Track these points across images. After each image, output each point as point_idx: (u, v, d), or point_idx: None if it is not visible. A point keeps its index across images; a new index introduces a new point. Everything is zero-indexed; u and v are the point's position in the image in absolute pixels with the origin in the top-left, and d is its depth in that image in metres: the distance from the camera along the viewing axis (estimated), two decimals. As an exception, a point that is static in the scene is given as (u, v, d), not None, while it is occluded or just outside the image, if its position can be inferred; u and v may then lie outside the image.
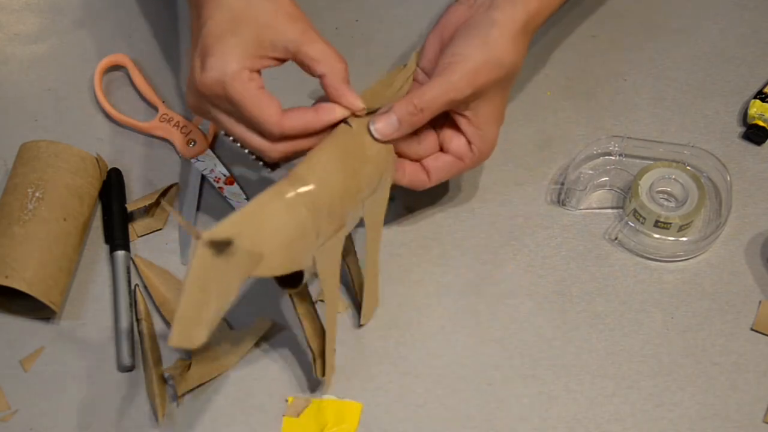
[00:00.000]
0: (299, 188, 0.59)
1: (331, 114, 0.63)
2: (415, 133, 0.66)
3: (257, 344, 0.69)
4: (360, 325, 0.69)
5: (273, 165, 0.69)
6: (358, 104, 0.63)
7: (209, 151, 0.78)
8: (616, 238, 0.73)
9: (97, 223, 0.75)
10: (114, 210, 0.74)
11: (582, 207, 0.75)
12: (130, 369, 0.68)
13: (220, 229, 0.54)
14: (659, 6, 0.86)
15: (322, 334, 0.65)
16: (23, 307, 0.70)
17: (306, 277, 0.61)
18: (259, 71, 0.63)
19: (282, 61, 0.64)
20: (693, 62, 0.82)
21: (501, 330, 0.70)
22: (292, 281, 0.61)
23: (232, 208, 0.75)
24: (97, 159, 0.75)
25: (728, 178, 0.73)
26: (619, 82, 0.81)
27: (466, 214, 0.75)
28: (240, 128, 0.65)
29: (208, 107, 0.65)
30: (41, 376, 0.68)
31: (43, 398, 0.67)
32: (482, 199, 0.75)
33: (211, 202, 0.76)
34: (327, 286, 0.63)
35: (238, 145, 0.66)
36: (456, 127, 0.67)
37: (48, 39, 0.85)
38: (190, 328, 0.54)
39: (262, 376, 0.68)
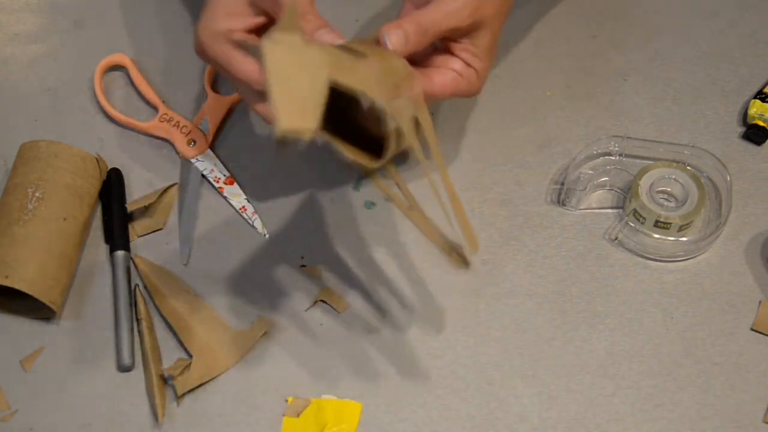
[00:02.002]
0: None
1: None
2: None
3: (257, 344, 0.69)
4: (472, 256, 0.65)
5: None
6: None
7: (209, 151, 0.78)
8: (616, 238, 0.73)
9: (97, 223, 0.75)
10: (114, 210, 0.74)
11: (582, 207, 0.75)
12: (130, 369, 0.68)
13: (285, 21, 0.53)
14: (659, 6, 0.86)
15: (435, 228, 0.63)
16: (23, 307, 0.70)
17: (390, 148, 0.58)
18: (247, 30, 0.64)
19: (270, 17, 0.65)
20: (693, 62, 0.82)
21: (501, 330, 0.70)
22: (374, 148, 0.59)
23: (232, 208, 0.75)
24: (97, 159, 0.75)
25: (728, 178, 0.73)
26: (619, 82, 0.81)
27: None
28: (243, 90, 0.66)
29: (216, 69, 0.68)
30: (41, 376, 0.68)
31: (43, 398, 0.67)
32: (482, 199, 0.75)
33: (211, 202, 0.76)
34: (428, 137, 0.60)
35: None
36: (449, 54, 0.67)
37: (48, 39, 0.85)
38: (294, 108, 0.51)
39: (262, 376, 0.68)
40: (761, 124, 0.77)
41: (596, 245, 0.73)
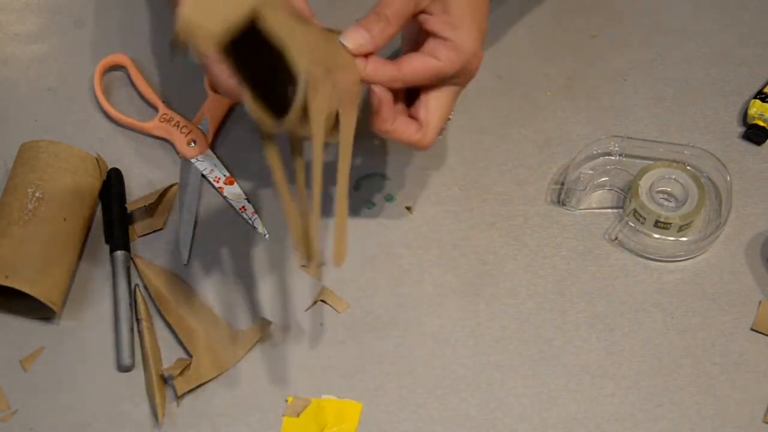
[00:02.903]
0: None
1: None
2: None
3: (257, 344, 0.69)
4: (335, 266, 0.63)
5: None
6: None
7: (209, 151, 0.78)
8: (616, 238, 0.73)
9: (97, 223, 0.75)
10: (114, 210, 0.74)
11: (582, 207, 0.75)
12: (130, 369, 0.68)
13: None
14: (659, 6, 0.86)
15: (303, 214, 0.61)
16: (23, 307, 0.70)
17: (294, 106, 0.56)
18: None
19: None
20: (693, 62, 0.82)
21: (501, 330, 0.70)
22: (279, 105, 0.57)
23: (232, 208, 0.75)
24: (97, 159, 0.75)
25: (728, 178, 0.73)
26: (619, 82, 0.81)
27: (466, 214, 0.75)
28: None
29: None
30: (41, 376, 0.68)
31: (43, 398, 0.67)
32: (482, 199, 0.75)
33: (211, 202, 0.76)
34: (344, 139, 0.59)
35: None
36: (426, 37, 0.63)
37: (48, 39, 0.85)
38: (206, 6, 0.51)
39: (262, 376, 0.68)
40: (761, 124, 0.77)
41: (596, 245, 0.73)
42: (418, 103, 0.65)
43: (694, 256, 0.72)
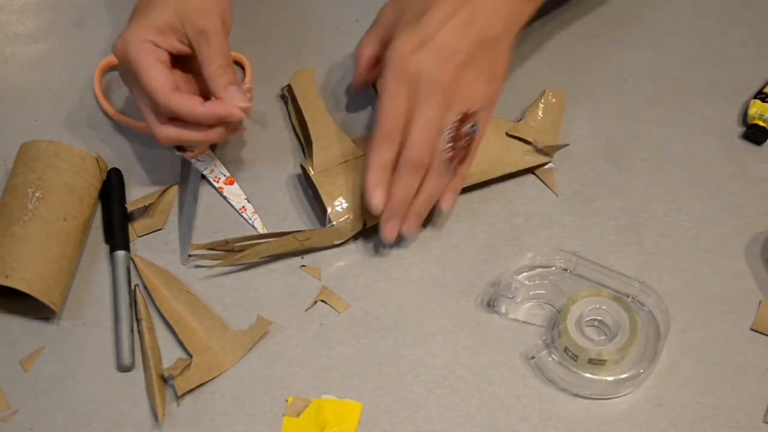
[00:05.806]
0: None
1: (218, 108, 0.68)
2: None
3: (257, 344, 0.69)
4: None
5: (182, 150, 0.75)
6: (240, 107, 0.69)
7: (209, 151, 0.78)
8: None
9: (97, 223, 0.75)
10: (114, 210, 0.74)
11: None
12: (130, 369, 0.68)
13: None
14: (659, 6, 0.86)
15: None
16: (23, 307, 0.70)
17: None
18: (168, 52, 0.69)
19: (192, 50, 0.69)
20: (693, 62, 0.82)
21: (501, 330, 0.70)
22: None
23: (232, 208, 0.75)
24: (97, 159, 0.75)
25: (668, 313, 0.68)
26: (619, 82, 0.81)
27: (466, 214, 0.75)
28: (142, 101, 0.70)
29: (124, 77, 0.71)
30: (41, 376, 0.68)
31: (43, 398, 0.67)
32: (482, 199, 0.75)
33: (211, 202, 0.76)
34: None
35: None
36: None
37: (48, 39, 0.85)
38: None
39: (262, 376, 0.68)
40: (761, 124, 0.77)
41: (596, 245, 0.73)
42: None
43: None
